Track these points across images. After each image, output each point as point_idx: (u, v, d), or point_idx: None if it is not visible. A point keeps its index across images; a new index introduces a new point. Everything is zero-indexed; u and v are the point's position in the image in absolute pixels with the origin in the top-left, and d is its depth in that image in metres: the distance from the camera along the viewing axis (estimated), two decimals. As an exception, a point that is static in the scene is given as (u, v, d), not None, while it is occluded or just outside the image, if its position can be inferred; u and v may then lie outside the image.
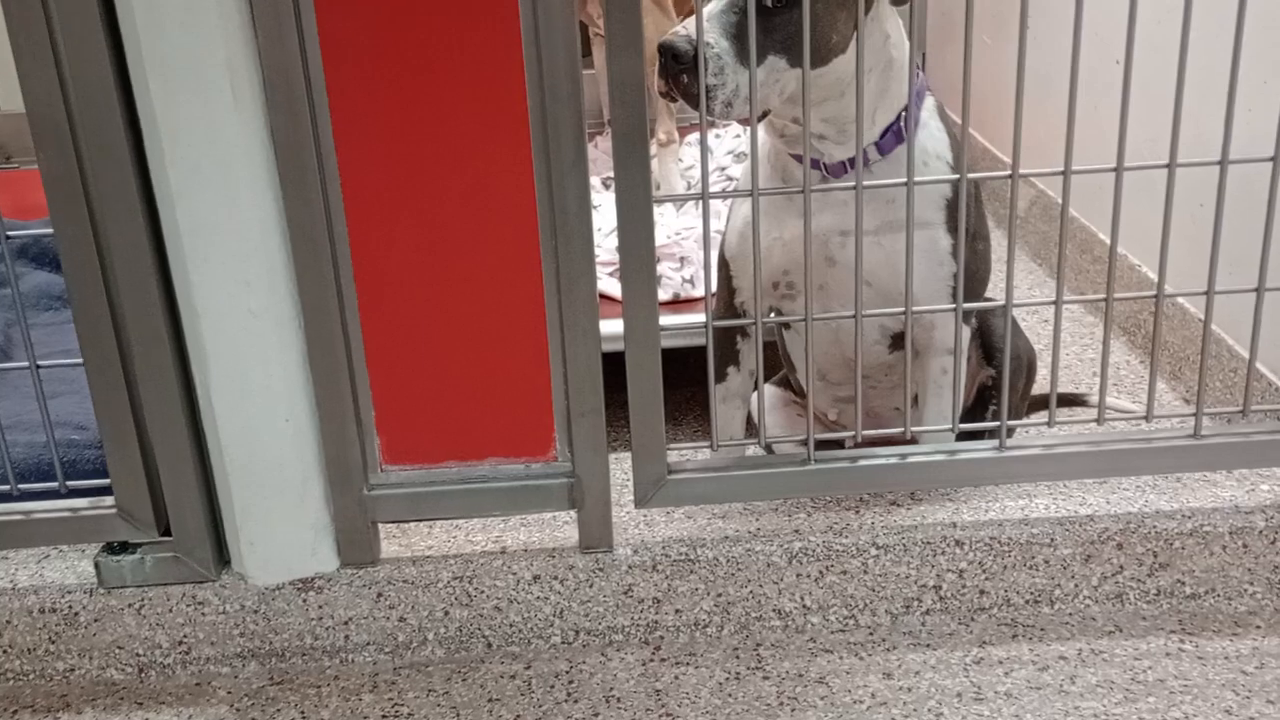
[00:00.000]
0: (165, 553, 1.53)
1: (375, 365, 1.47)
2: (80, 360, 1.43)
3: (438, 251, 1.42)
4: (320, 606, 1.55)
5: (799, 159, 1.52)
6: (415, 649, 1.58)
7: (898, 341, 1.64)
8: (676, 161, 2.60)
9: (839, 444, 1.70)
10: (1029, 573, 1.58)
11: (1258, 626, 1.55)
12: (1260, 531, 1.56)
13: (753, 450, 1.72)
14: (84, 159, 1.34)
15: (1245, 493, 1.61)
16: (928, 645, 1.55)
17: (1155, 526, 1.57)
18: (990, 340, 1.71)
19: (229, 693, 1.54)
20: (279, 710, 1.50)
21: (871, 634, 1.58)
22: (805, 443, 1.53)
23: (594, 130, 2.92)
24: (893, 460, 1.55)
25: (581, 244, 1.41)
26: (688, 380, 2.03)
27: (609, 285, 1.99)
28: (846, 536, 1.57)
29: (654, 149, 2.55)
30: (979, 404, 1.75)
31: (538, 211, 1.40)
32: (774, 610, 1.59)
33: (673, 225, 2.30)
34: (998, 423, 1.55)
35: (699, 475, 1.54)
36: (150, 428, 1.46)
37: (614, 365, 1.47)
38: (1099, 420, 1.55)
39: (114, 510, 1.50)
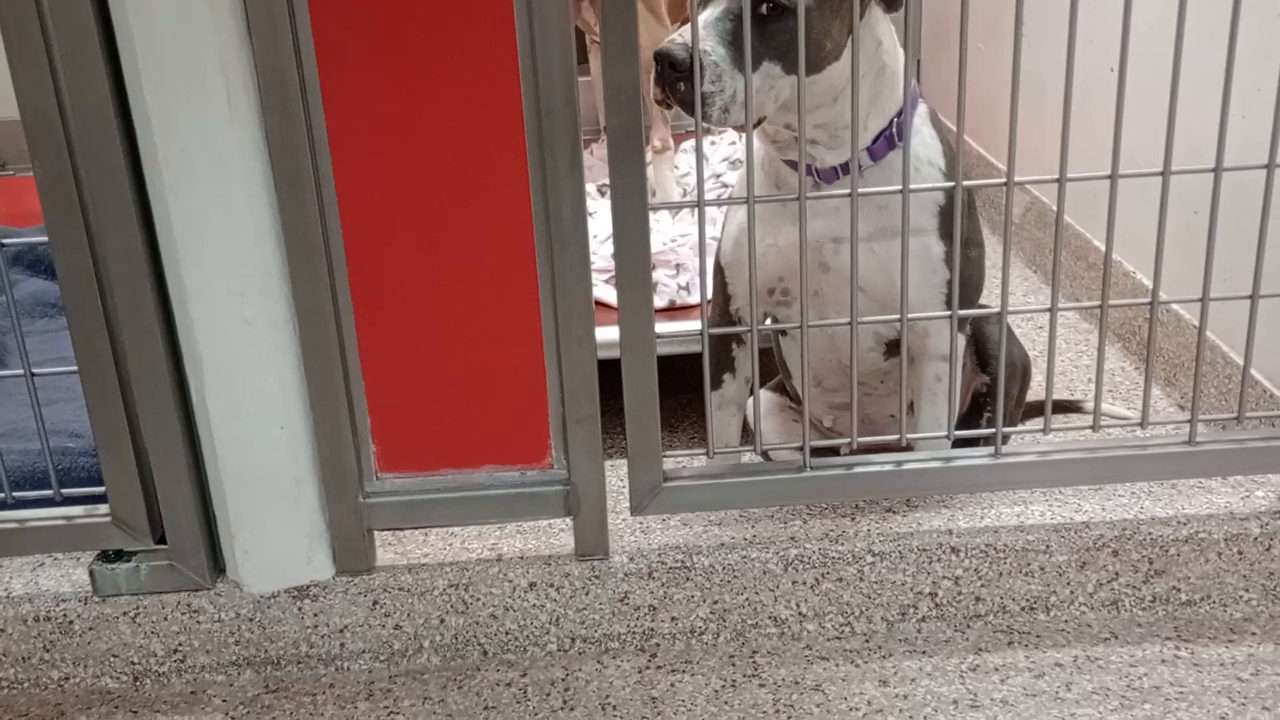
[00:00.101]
0: (160, 561, 1.53)
1: (370, 372, 1.47)
2: (75, 367, 1.42)
3: (433, 257, 1.42)
4: (315, 614, 1.55)
5: (791, 165, 1.53)
6: (411, 657, 1.58)
7: (893, 348, 1.64)
8: (672, 169, 2.61)
9: (835, 451, 1.70)
10: (1024, 579, 1.58)
11: (1253, 633, 1.55)
12: (1255, 538, 1.57)
13: (749, 457, 1.72)
14: (78, 165, 1.34)
15: (1240, 499, 1.61)
16: (923, 652, 1.55)
17: (1150, 533, 1.57)
18: (985, 347, 1.71)
19: (224, 701, 1.53)
20: (274, 718, 1.49)
21: (867, 641, 1.57)
22: (801, 449, 1.53)
23: (590, 137, 2.92)
24: (888, 467, 1.55)
25: (577, 251, 1.41)
26: (684, 387, 2.03)
27: (605, 292, 1.99)
28: (842, 543, 1.57)
29: (649, 156, 2.56)
30: (974, 411, 1.75)
31: (533, 218, 1.40)
32: (770, 618, 1.58)
33: (668, 232, 2.31)
34: (993, 429, 1.55)
35: (695, 482, 1.54)
36: (145, 435, 1.46)
37: (610, 372, 1.47)
38: (1094, 427, 1.55)
39: (109, 518, 1.50)
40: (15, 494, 1.53)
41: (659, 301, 2.08)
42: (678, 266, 2.18)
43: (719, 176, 2.62)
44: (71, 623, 1.54)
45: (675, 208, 2.46)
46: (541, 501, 1.52)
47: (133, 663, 1.56)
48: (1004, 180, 1.43)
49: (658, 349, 1.46)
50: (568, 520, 1.57)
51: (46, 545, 1.55)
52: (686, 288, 2.14)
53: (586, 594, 1.56)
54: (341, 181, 1.38)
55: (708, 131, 2.35)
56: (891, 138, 1.50)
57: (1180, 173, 1.42)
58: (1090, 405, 1.75)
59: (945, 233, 1.52)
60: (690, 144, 2.74)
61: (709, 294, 1.58)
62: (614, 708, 1.48)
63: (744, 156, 1.46)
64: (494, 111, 1.36)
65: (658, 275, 2.14)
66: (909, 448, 1.59)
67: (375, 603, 1.55)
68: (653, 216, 1.45)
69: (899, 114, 1.50)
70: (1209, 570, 1.58)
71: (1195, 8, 1.37)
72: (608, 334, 1.45)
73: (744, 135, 1.43)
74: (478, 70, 1.34)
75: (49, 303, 2.31)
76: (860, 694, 1.48)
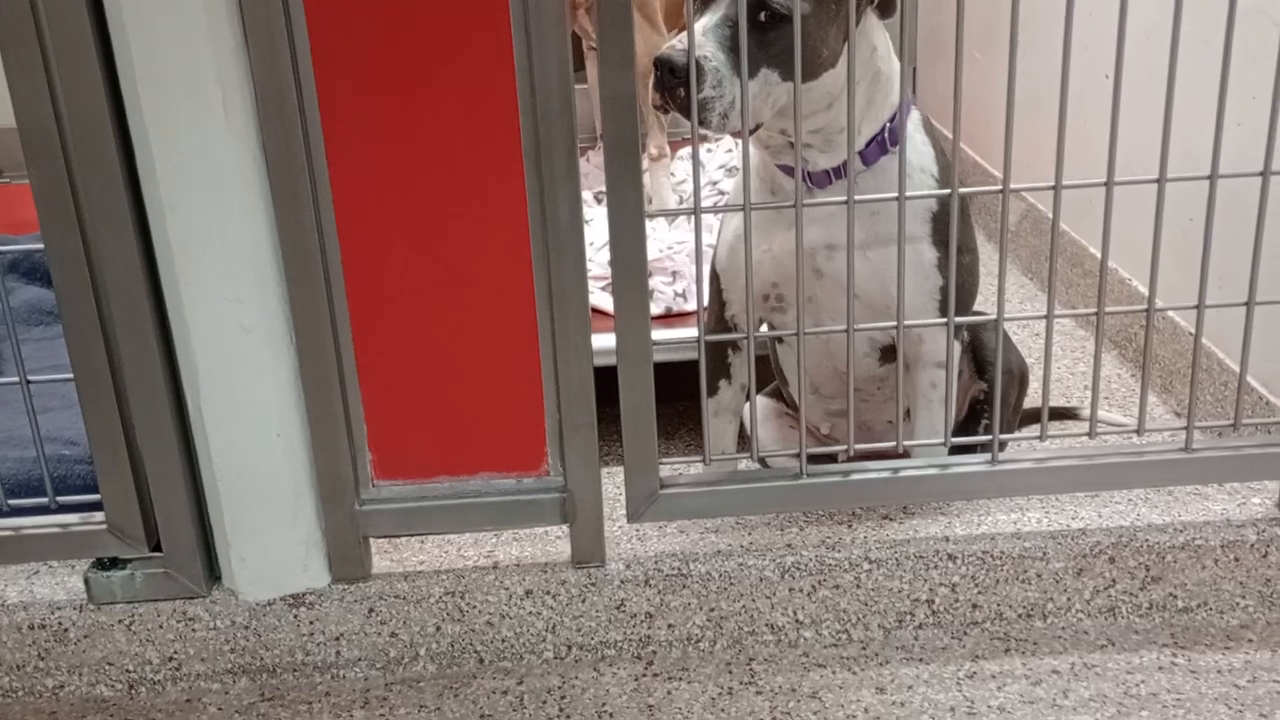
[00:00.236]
0: (156, 568, 1.52)
1: (367, 380, 1.47)
2: (71, 375, 1.42)
3: (429, 263, 1.42)
4: (311, 622, 1.55)
5: (785, 170, 1.53)
6: (407, 665, 1.57)
7: (888, 354, 1.64)
8: (669, 176, 2.61)
9: (831, 457, 1.70)
10: (1021, 587, 1.58)
11: (1250, 640, 1.55)
12: (1252, 545, 1.57)
13: (745, 464, 1.72)
14: (75, 173, 1.34)
15: (1237, 506, 1.61)
16: (920, 660, 1.54)
17: (1147, 540, 1.57)
18: (982, 354, 1.71)
19: (220, 709, 1.53)
20: (270, 727, 1.49)
21: (864, 648, 1.57)
22: (798, 456, 1.53)
23: (586, 144, 2.92)
24: (885, 474, 1.55)
25: (573, 258, 1.41)
26: (680, 394, 2.03)
27: (601, 299, 1.99)
28: (839, 551, 1.57)
29: (646, 163, 2.56)
30: (971, 418, 1.75)
31: (530, 225, 1.40)
32: (766, 625, 1.58)
33: (665, 239, 2.31)
34: (990, 436, 1.55)
35: (691, 490, 1.54)
36: (141, 443, 1.46)
37: (606, 379, 1.47)
38: (1091, 434, 1.56)
39: (104, 526, 1.50)
40: (11, 501, 1.53)
41: (655, 309, 2.08)
42: (674, 274, 2.18)
43: (716, 184, 2.62)
44: (66, 630, 1.54)
45: (672, 215, 2.46)
46: (538, 509, 1.52)
47: (128, 671, 1.56)
48: (1000, 188, 1.44)
49: (654, 356, 1.46)
50: (564, 528, 1.57)
51: (42, 553, 1.54)
52: (683, 295, 2.14)
53: (583, 601, 1.56)
54: (338, 190, 1.38)
55: (705, 139, 2.36)
56: (884, 143, 1.51)
57: (1176, 180, 1.43)
58: (1087, 412, 1.76)
59: (938, 239, 1.52)
60: (687, 151, 2.75)
61: (705, 301, 1.58)
62: (610, 715, 1.47)
63: (740, 164, 1.46)
64: (490, 118, 1.36)
65: (654, 282, 2.14)
66: (906, 455, 1.59)
67: (371, 610, 1.55)
68: (649, 224, 1.45)
69: (892, 119, 1.50)
70: (1206, 577, 1.58)
71: (1190, 14, 1.37)
72: (604, 341, 1.45)
73: (740, 142, 1.43)
74: (474, 78, 1.34)
75: (45, 310, 2.31)
76: (857, 701, 1.47)
